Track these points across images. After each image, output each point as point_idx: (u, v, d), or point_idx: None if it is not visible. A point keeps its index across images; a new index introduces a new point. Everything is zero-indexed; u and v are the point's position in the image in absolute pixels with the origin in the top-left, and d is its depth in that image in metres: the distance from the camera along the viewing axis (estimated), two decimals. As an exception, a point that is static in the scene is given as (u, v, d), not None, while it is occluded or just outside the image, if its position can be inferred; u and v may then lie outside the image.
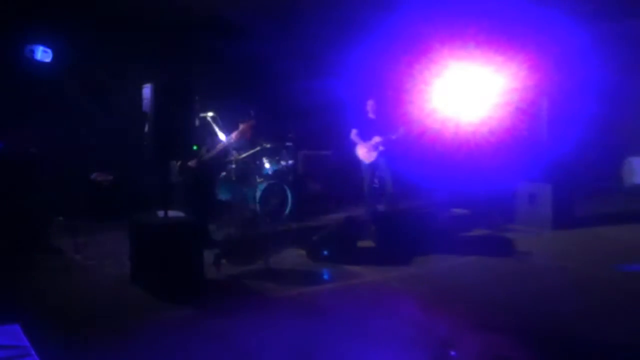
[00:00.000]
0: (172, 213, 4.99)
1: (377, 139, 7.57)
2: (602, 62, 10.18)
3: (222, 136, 6.88)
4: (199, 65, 8.55)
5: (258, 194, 7.40)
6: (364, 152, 7.71)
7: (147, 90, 4.85)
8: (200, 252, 4.91)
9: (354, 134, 7.77)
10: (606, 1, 8.06)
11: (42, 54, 6.85)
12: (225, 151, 7.44)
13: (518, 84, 10.24)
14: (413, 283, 5.03)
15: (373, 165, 7.71)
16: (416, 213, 8.16)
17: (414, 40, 9.70)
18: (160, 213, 4.93)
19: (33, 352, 3.34)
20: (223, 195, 7.64)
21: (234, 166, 7.52)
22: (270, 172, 7.84)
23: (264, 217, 7.30)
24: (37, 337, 3.84)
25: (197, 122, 5.96)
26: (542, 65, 10.36)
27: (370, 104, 7.77)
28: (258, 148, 7.67)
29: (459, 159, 11.41)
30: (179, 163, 6.24)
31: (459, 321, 4.17)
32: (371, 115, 7.77)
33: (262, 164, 7.86)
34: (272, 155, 7.99)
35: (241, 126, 7.40)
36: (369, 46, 9.93)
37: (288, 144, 8.20)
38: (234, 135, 6.99)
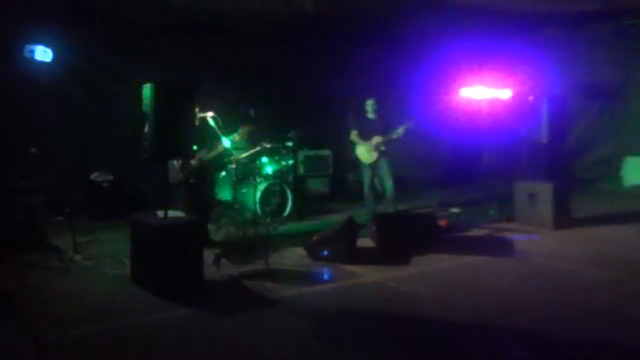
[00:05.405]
0: (172, 213, 4.99)
1: (377, 139, 7.56)
2: (601, 62, 10.19)
3: (222, 136, 6.88)
4: (199, 65, 8.55)
5: (258, 194, 7.40)
6: (364, 152, 7.70)
7: (147, 90, 4.85)
8: (200, 252, 4.91)
9: (353, 134, 7.76)
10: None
11: (42, 54, 6.84)
12: (225, 152, 7.44)
13: (519, 85, 10.27)
14: (413, 283, 5.03)
15: (373, 166, 7.70)
16: (416, 213, 8.17)
17: (420, 44, 9.75)
18: (160, 213, 4.93)
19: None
20: (223, 195, 7.64)
21: (234, 166, 7.51)
22: (270, 172, 7.84)
23: (264, 217, 7.30)
24: (37, 337, 3.85)
25: (197, 122, 5.95)
26: (542, 65, 10.39)
27: (370, 104, 7.76)
28: (258, 148, 7.67)
29: (460, 159, 11.45)
30: (179, 163, 6.24)
31: (458, 321, 4.17)
32: (371, 115, 7.76)
33: (262, 164, 7.86)
34: (272, 155, 7.98)
35: (242, 129, 7.42)
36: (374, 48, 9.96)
37: (288, 144, 8.20)
38: (235, 137, 7.00)
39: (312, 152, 9.72)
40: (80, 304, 4.56)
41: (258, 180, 7.61)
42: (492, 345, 3.77)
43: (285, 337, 3.90)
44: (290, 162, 8.18)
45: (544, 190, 7.15)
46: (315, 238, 5.85)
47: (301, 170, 9.56)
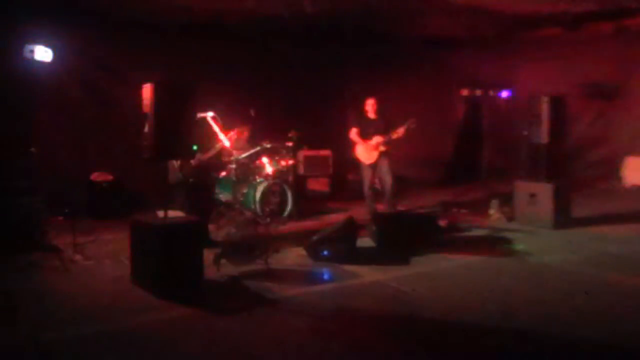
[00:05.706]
0: (172, 213, 4.99)
1: (378, 139, 7.55)
2: (601, 62, 10.19)
3: (222, 136, 6.88)
4: (199, 65, 8.56)
5: (258, 194, 7.40)
6: (364, 152, 7.69)
7: (147, 90, 4.85)
8: (200, 252, 4.91)
9: (353, 133, 7.75)
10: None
11: (42, 54, 6.84)
12: (224, 152, 7.44)
13: (520, 86, 10.27)
14: (413, 283, 5.03)
15: (373, 166, 7.70)
16: (416, 213, 8.17)
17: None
18: (160, 213, 4.93)
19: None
20: (223, 195, 7.64)
21: (234, 166, 7.51)
22: (270, 172, 7.84)
23: (264, 217, 7.30)
24: (37, 337, 3.85)
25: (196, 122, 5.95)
26: (542, 65, 10.39)
27: (370, 104, 7.76)
28: (258, 148, 7.67)
29: (460, 159, 11.45)
30: (178, 163, 6.24)
31: (458, 321, 4.17)
32: (371, 115, 7.76)
33: (262, 164, 7.86)
34: (272, 155, 7.99)
35: (237, 129, 7.43)
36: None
37: (288, 144, 8.20)
38: (232, 135, 7.00)
39: (312, 152, 9.72)
40: (80, 304, 4.56)
41: (258, 180, 7.61)
42: (493, 345, 3.77)
43: (285, 337, 3.90)
44: (290, 162, 8.18)
45: (544, 190, 7.15)
46: (315, 238, 5.85)
47: (301, 170, 9.56)
